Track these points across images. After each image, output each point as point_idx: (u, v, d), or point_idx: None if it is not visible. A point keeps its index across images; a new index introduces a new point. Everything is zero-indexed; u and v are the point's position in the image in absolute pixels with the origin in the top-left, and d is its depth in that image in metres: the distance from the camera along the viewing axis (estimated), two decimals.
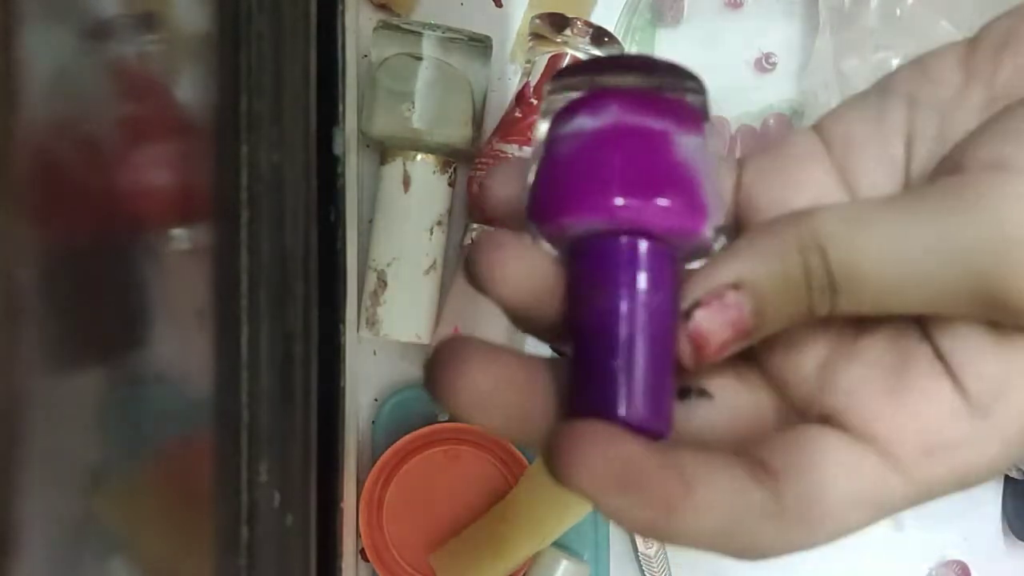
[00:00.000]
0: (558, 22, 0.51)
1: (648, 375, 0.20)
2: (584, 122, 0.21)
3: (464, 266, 0.21)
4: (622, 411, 0.19)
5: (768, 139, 0.56)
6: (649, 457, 0.18)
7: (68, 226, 0.23)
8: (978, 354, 0.19)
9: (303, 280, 0.32)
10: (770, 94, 0.57)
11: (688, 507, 0.18)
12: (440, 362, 0.20)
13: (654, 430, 0.20)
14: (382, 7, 0.55)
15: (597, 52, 0.52)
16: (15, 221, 0.20)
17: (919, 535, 0.57)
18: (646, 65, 0.22)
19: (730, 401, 0.22)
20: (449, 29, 0.51)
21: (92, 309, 0.24)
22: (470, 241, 0.53)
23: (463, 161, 0.54)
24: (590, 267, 0.21)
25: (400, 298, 0.52)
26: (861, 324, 0.21)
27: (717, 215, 0.21)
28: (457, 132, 0.51)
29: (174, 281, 0.28)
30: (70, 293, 0.23)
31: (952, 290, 0.18)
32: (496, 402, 0.20)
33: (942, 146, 0.21)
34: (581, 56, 0.51)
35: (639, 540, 0.55)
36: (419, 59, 0.50)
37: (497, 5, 0.57)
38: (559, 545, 0.53)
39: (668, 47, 0.57)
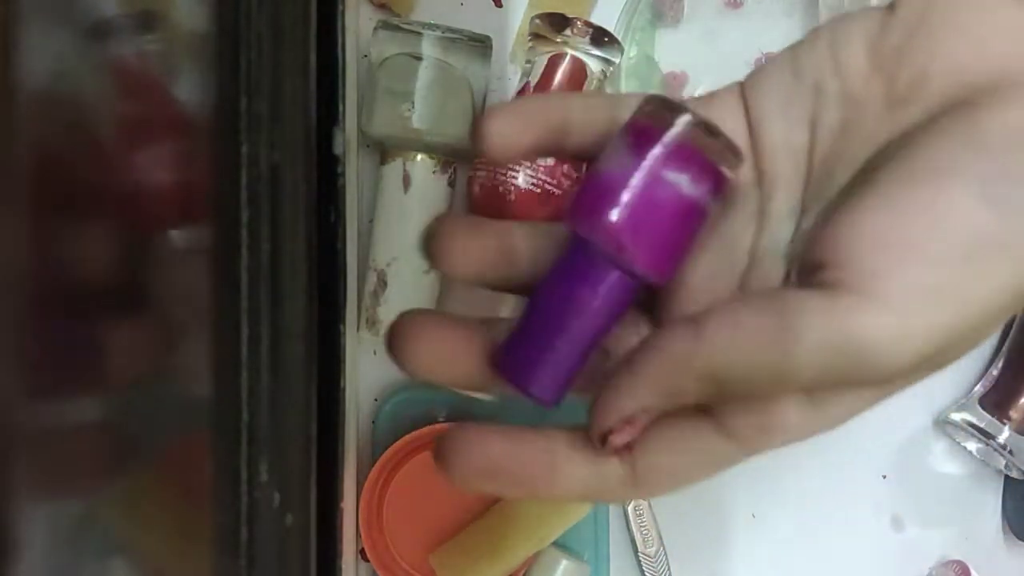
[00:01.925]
0: (558, 22, 0.51)
1: (560, 362, 0.24)
2: (635, 149, 0.23)
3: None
4: (533, 384, 0.24)
5: None
6: (512, 453, 0.24)
7: (66, 226, 0.23)
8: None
9: (303, 280, 0.32)
10: None
11: (551, 485, 0.24)
12: (392, 331, 0.26)
13: (547, 401, 0.24)
14: (382, 7, 0.55)
15: (597, 52, 0.52)
16: (13, 221, 0.20)
17: (919, 535, 0.57)
18: (709, 129, 0.24)
19: None
20: (449, 29, 0.51)
21: (91, 309, 0.24)
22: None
23: (463, 161, 0.54)
24: (570, 259, 0.24)
25: (400, 298, 0.52)
26: None
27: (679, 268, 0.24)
28: (457, 132, 0.51)
29: (173, 281, 0.28)
30: (69, 293, 0.23)
31: (818, 380, 0.22)
32: (434, 360, 0.26)
33: (846, 140, 0.24)
34: (581, 56, 0.52)
35: (639, 540, 0.55)
36: (419, 59, 0.50)
37: (497, 5, 0.57)
38: (559, 545, 0.53)
39: (668, 47, 0.57)
